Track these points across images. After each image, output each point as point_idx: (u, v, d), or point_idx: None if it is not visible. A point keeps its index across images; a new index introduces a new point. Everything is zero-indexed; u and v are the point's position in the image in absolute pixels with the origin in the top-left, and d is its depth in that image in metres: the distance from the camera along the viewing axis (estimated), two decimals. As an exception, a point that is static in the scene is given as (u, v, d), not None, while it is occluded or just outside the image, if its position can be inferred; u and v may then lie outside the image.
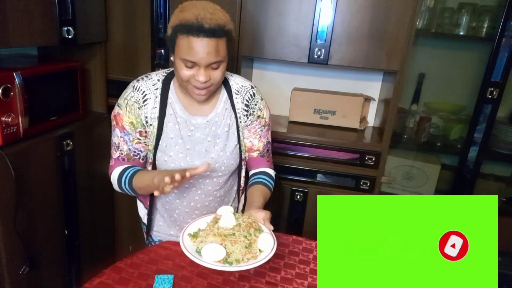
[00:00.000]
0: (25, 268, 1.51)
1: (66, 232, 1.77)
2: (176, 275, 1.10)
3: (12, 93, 1.41)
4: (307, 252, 1.27)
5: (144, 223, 1.36)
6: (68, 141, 1.70)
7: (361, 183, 1.98)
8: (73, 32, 1.63)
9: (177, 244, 1.27)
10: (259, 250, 1.03)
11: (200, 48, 1.01)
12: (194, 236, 1.07)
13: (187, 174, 1.01)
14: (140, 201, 1.35)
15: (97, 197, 2.02)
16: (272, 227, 1.09)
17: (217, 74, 1.08)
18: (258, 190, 1.25)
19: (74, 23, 1.63)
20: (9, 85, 1.39)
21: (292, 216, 2.08)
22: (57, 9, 1.55)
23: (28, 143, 1.50)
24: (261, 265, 1.17)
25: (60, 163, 1.68)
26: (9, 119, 1.40)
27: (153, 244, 1.38)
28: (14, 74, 1.41)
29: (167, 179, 0.98)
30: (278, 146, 1.99)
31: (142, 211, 1.36)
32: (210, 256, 0.99)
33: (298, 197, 2.03)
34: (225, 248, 1.01)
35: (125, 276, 1.09)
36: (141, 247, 1.26)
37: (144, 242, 1.43)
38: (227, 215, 1.09)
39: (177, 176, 0.99)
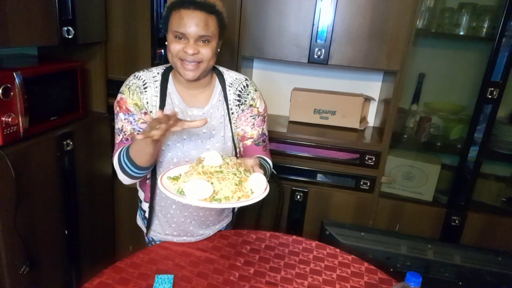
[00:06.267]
0: (25, 268, 1.51)
1: (66, 232, 1.77)
2: (176, 275, 1.10)
3: (12, 93, 1.41)
4: (307, 252, 1.27)
5: (145, 218, 1.35)
6: (68, 141, 1.70)
7: (361, 183, 1.98)
8: (73, 32, 1.63)
9: (177, 244, 1.27)
10: (251, 190, 0.94)
11: (190, 19, 1.07)
12: (175, 179, 0.98)
13: (177, 116, 0.95)
14: (143, 191, 1.34)
15: (97, 197, 2.02)
16: (262, 171, 1.01)
17: (206, 50, 1.11)
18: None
19: (74, 23, 1.64)
20: (9, 85, 1.39)
21: (292, 216, 2.08)
22: (57, 9, 1.55)
23: (28, 143, 1.50)
24: (261, 265, 1.18)
25: (60, 163, 1.68)
26: (9, 119, 1.40)
27: (153, 244, 1.38)
28: (14, 74, 1.41)
29: (159, 114, 0.93)
30: (278, 146, 1.99)
31: (145, 205, 1.35)
32: (195, 194, 0.88)
33: (298, 197, 2.03)
34: (212, 185, 0.90)
35: (125, 276, 1.09)
36: (141, 247, 1.27)
37: (144, 242, 1.43)
38: (212, 154, 1.00)
39: (159, 114, 0.93)
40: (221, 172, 0.94)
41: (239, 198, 0.91)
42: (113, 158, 1.20)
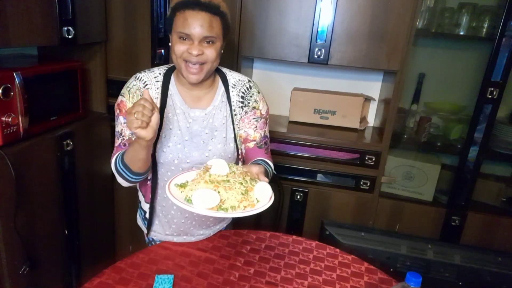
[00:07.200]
0: (25, 268, 1.51)
1: (66, 232, 1.77)
2: (176, 275, 1.10)
3: (12, 93, 1.40)
4: (307, 252, 1.27)
5: (146, 218, 1.35)
6: (68, 141, 1.70)
7: (361, 183, 1.98)
8: (73, 32, 1.63)
9: (177, 244, 1.27)
10: (256, 199, 0.96)
11: (195, 20, 1.07)
12: (182, 186, 0.99)
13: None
14: (143, 191, 1.34)
15: (97, 197, 2.02)
16: (267, 180, 1.04)
17: (210, 51, 1.11)
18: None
19: (74, 23, 1.64)
20: (9, 85, 1.39)
21: (292, 216, 2.08)
22: (57, 9, 1.55)
23: (28, 143, 1.50)
24: (261, 265, 1.18)
25: (60, 163, 1.68)
26: (9, 119, 1.40)
27: (153, 244, 1.38)
28: (14, 74, 1.41)
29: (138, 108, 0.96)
30: (278, 146, 1.99)
31: (145, 205, 1.35)
32: (202, 203, 0.90)
33: (298, 197, 2.03)
34: (218, 194, 0.92)
35: (125, 276, 1.09)
36: (141, 247, 1.27)
37: (144, 242, 1.43)
38: (219, 163, 1.02)
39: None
40: (228, 181, 0.95)
41: (245, 207, 0.93)
42: (111, 160, 1.22)
